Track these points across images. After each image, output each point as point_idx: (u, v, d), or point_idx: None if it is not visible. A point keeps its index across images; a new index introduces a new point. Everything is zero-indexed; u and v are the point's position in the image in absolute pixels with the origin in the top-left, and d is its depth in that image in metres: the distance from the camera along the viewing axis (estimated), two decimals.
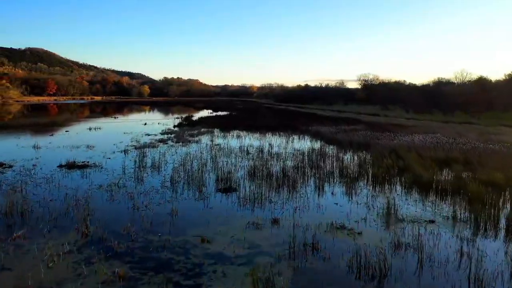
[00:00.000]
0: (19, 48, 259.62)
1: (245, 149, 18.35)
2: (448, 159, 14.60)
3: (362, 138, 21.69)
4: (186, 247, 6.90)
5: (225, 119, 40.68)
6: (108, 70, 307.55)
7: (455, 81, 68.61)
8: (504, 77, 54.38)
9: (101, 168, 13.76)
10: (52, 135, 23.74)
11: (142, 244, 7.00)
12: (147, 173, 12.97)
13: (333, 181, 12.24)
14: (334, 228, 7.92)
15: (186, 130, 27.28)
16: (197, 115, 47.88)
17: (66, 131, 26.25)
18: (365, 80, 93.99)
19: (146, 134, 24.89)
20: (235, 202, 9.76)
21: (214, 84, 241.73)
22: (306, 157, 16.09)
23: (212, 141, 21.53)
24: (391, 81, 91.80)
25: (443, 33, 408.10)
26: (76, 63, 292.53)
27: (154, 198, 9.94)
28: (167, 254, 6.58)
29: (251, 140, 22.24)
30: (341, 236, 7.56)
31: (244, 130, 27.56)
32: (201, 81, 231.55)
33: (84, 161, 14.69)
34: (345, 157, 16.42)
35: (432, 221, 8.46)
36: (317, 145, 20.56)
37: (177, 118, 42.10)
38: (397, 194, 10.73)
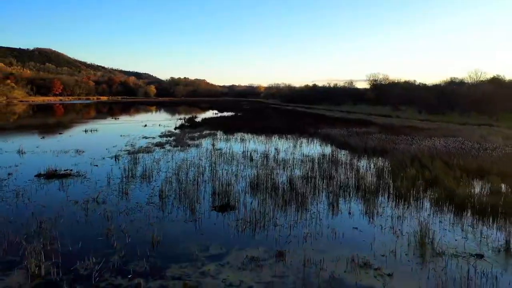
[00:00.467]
0: (27, 49, 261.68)
1: (249, 154, 16.65)
2: (481, 168, 12.72)
3: (377, 142, 19.84)
4: None
5: (229, 120, 38.98)
6: (115, 70, 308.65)
7: (469, 81, 66.34)
8: None
9: (84, 178, 12.13)
10: (43, 138, 22.25)
11: None
12: (135, 185, 11.31)
13: (349, 196, 10.48)
14: (356, 266, 6.17)
15: (187, 133, 25.64)
16: (201, 116, 46.27)
17: (59, 134, 24.74)
18: (375, 80, 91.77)
19: (143, 137, 23.29)
20: (233, 225, 8.04)
21: (221, 84, 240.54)
22: (316, 165, 14.34)
23: (213, 145, 19.85)
24: (401, 81, 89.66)
25: (442, 33, 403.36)
26: (84, 63, 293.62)
27: (135, 219, 8.26)
28: None
29: (255, 144, 20.52)
30: (366, 279, 5.81)
31: (249, 133, 25.84)
32: (208, 81, 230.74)
33: (67, 169, 13.08)
34: (360, 165, 14.63)
35: (480, 256, 6.67)
36: (327, 150, 18.77)
37: (180, 119, 40.54)
38: (428, 215, 8.93)
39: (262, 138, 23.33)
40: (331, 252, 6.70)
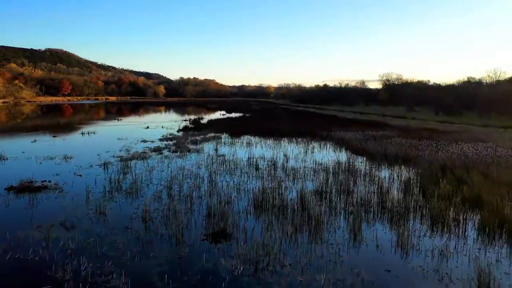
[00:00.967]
0: (39, 49, 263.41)
1: (254, 162, 14.84)
2: None
3: (398, 147, 17.83)
4: None
5: (237, 121, 37.19)
6: (126, 70, 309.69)
7: (487, 81, 63.52)
8: None
9: (61, 192, 10.42)
10: (34, 141, 20.68)
11: None
12: (117, 202, 9.56)
13: (373, 219, 8.58)
14: None
15: (190, 136, 23.91)
16: (207, 117, 44.57)
17: (53, 136, 23.19)
18: (388, 80, 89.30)
19: (142, 141, 21.59)
20: (226, 266, 6.20)
21: (231, 84, 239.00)
22: (330, 176, 12.46)
23: (216, 150, 18.07)
24: (414, 81, 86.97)
25: (442, 32, 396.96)
26: (95, 64, 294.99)
27: (105, 256, 6.48)
28: None
29: (262, 149, 18.67)
30: None
31: (256, 136, 24.02)
32: (217, 81, 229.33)
33: (45, 181, 11.41)
34: (382, 176, 12.68)
35: None
36: (342, 157, 16.83)
37: (185, 120, 38.89)
38: (478, 249, 6.99)
39: (270, 142, 21.49)
40: None
